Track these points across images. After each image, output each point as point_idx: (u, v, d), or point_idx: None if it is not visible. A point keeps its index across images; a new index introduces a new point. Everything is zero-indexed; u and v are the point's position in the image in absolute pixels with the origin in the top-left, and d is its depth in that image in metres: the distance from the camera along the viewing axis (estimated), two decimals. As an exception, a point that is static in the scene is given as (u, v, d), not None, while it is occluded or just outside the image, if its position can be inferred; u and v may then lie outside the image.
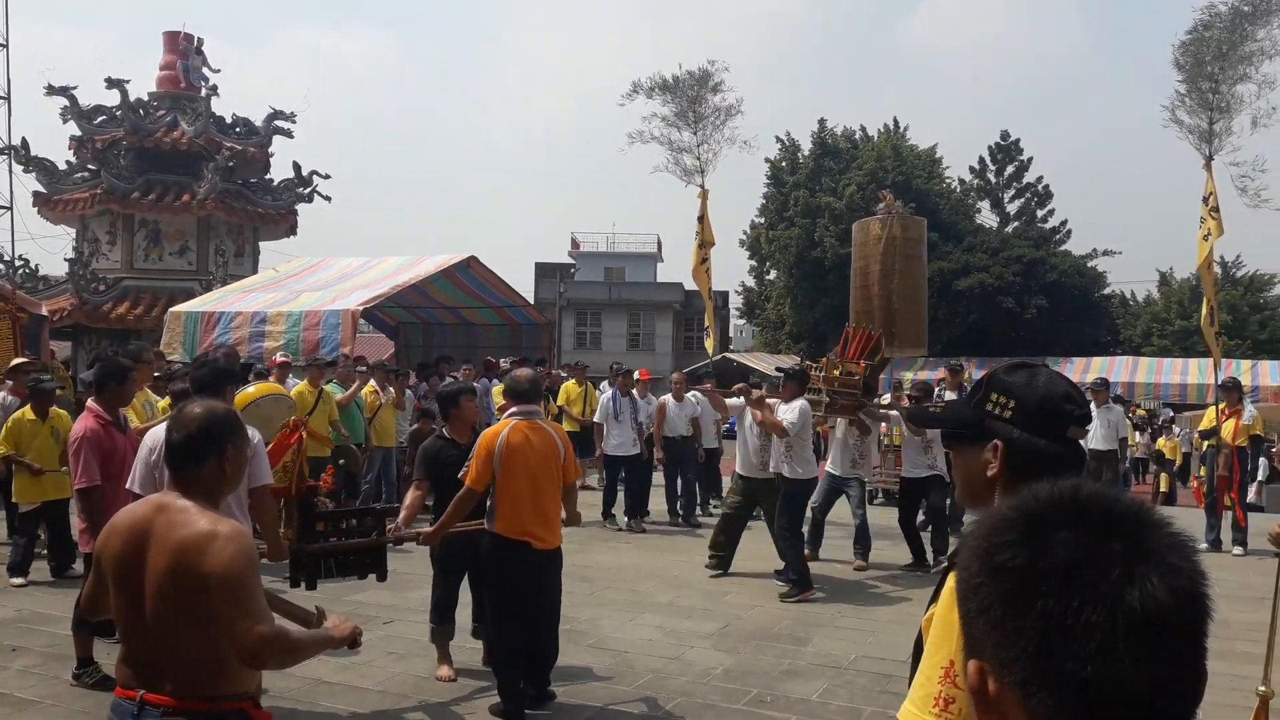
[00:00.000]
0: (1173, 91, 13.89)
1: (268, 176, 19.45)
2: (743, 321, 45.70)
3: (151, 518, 2.50)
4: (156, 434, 4.22)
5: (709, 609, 7.38)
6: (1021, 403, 1.80)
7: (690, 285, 40.91)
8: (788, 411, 7.86)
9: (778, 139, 37.18)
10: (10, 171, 16.90)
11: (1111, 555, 0.85)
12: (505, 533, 5.03)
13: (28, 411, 7.88)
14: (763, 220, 37.43)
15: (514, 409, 5.30)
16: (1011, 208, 37.62)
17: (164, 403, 7.24)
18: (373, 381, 11.41)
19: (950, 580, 1.71)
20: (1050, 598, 0.84)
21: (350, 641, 2.83)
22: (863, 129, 37.44)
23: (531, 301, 19.33)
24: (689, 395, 11.27)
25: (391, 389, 11.40)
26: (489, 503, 5.14)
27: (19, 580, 7.78)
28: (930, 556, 8.92)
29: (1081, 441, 1.85)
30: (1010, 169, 37.67)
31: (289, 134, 19.22)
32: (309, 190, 18.95)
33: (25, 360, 9.52)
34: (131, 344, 7.07)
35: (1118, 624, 0.81)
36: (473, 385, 6.38)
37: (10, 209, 15.94)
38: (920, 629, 1.80)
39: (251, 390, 6.04)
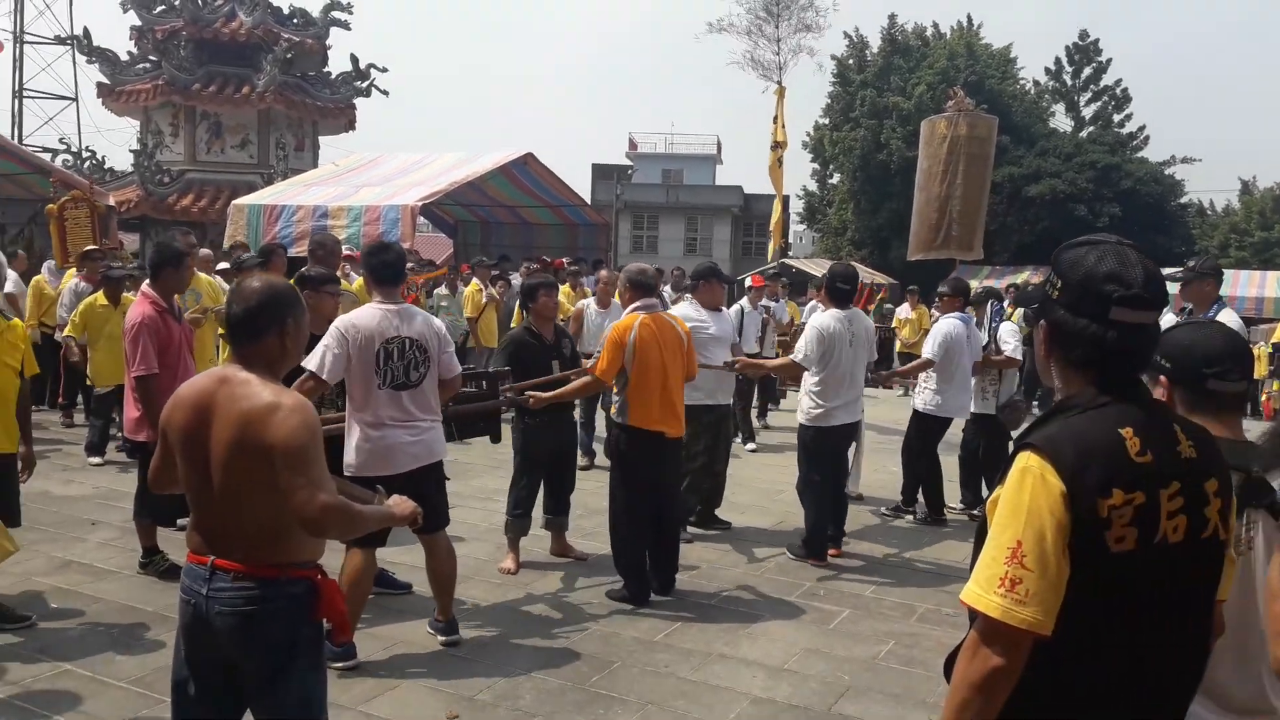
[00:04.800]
0: None
1: (325, 70, 19.30)
2: (803, 227, 44.91)
3: (215, 390, 2.52)
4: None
5: (765, 507, 7.42)
6: (1066, 282, 1.74)
7: (750, 188, 40.25)
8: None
9: (845, 35, 35.90)
10: (74, 62, 17.01)
11: None
12: (640, 424, 5.16)
13: (100, 297, 8.05)
14: (827, 121, 36.41)
15: (638, 302, 5.31)
16: (1087, 111, 36.12)
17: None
18: (476, 280, 11.45)
19: (1017, 461, 1.66)
20: None
21: (410, 520, 2.86)
22: (935, 26, 35.99)
23: (588, 203, 19.15)
24: (617, 305, 8.52)
25: (493, 289, 11.40)
26: (617, 396, 5.24)
27: (96, 460, 8.10)
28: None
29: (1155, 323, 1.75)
30: (1088, 70, 36.05)
31: (346, 26, 18.97)
32: (367, 84, 18.78)
33: (95, 248, 9.71)
34: (169, 232, 6.88)
35: None
36: (551, 279, 6.33)
37: (76, 99, 16.07)
38: (984, 511, 1.76)
39: None
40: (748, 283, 10.57)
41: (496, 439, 5.58)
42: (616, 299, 10.42)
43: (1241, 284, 25.93)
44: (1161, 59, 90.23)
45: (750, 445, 9.75)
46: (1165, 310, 2.27)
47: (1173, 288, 6.45)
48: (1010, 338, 7.50)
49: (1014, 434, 7.28)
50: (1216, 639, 1.81)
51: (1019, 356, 7.51)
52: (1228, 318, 5.53)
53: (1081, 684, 1.64)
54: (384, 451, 4.28)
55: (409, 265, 10.75)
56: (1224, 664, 1.83)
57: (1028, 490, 1.62)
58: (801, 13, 16.17)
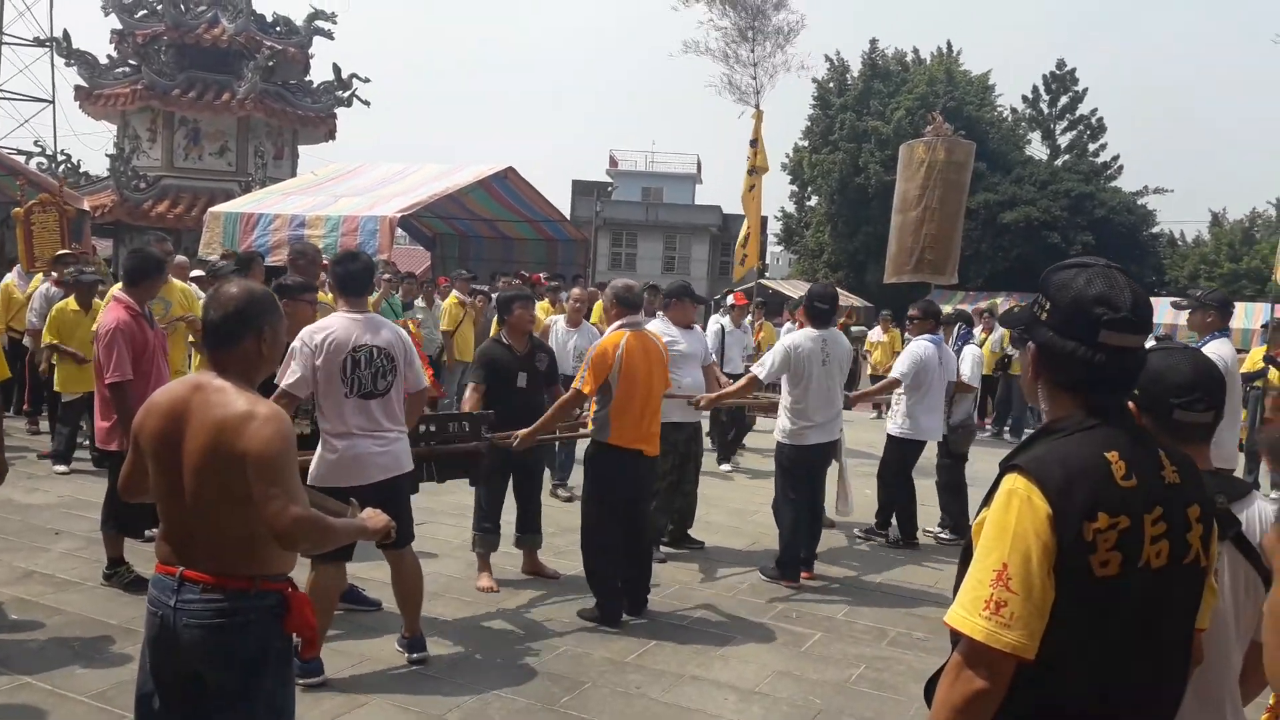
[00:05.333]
0: None
1: (307, 78, 19.24)
2: (780, 248, 45.16)
3: (189, 397, 2.49)
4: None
5: (738, 528, 7.41)
6: (1055, 304, 1.74)
7: (729, 208, 40.37)
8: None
9: (827, 58, 36.33)
10: (52, 64, 16.90)
11: None
12: (620, 443, 5.14)
13: (71, 302, 7.94)
14: (806, 144, 36.70)
15: (623, 320, 5.29)
16: (1063, 140, 36.68)
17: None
18: (455, 293, 11.40)
19: (1004, 483, 1.66)
20: None
21: (384, 534, 2.84)
22: (915, 51, 36.52)
23: (568, 219, 19.15)
24: (588, 325, 8.45)
25: (471, 302, 11.35)
26: (599, 412, 5.21)
27: (62, 468, 7.96)
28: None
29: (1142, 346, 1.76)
30: (1064, 99, 36.67)
31: (329, 35, 18.95)
32: (348, 94, 18.73)
33: (68, 252, 9.59)
34: (145, 238, 6.73)
35: None
36: (527, 292, 6.32)
37: (52, 102, 15.91)
38: (969, 533, 1.75)
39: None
40: (729, 301, 10.38)
41: (474, 481, 5.50)
42: (593, 320, 9.72)
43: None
44: (1136, 90, 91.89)
45: (725, 465, 9.70)
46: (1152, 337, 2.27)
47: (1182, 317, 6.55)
48: (968, 363, 7.60)
49: (962, 454, 7.42)
50: (1195, 667, 1.81)
51: (975, 384, 7.60)
52: (1217, 348, 5.49)
53: (1063, 708, 1.64)
54: (351, 462, 4.24)
55: (385, 277, 10.71)
56: (1194, 694, 1.83)
57: (1014, 512, 1.62)
58: (776, 35, 16.25)
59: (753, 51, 16.21)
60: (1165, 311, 26.22)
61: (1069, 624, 1.59)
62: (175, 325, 7.03)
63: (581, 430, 5.88)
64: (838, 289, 8.23)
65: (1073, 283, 1.73)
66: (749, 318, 11.32)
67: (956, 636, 1.65)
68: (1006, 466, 1.70)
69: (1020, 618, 1.57)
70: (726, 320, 9.90)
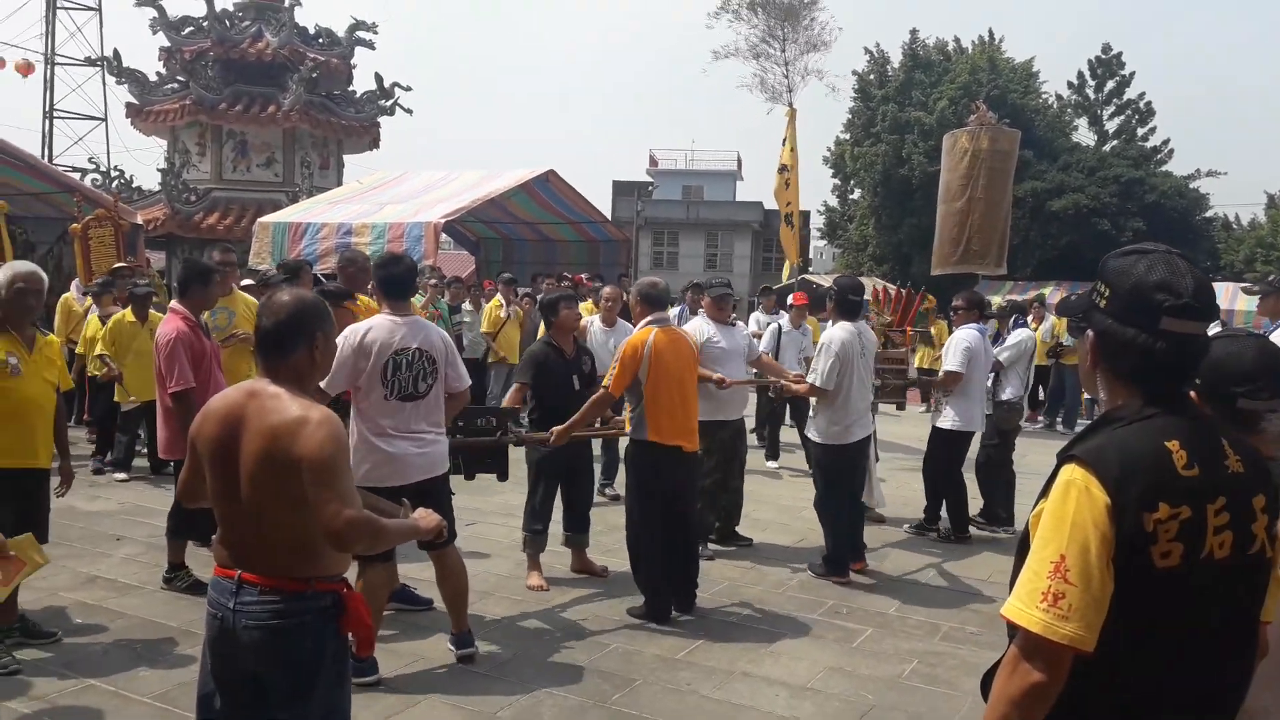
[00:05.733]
0: None
1: (350, 88, 19.50)
2: (824, 243, 44.82)
3: (244, 403, 2.55)
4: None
5: (786, 524, 7.38)
6: (1115, 291, 1.71)
7: (770, 204, 40.21)
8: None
9: (866, 50, 35.93)
10: (104, 83, 17.28)
11: None
12: (660, 439, 5.16)
13: (127, 314, 8.14)
14: (848, 136, 36.37)
15: (650, 317, 5.32)
16: (1111, 125, 35.89)
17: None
18: (499, 296, 11.51)
19: (1061, 474, 1.64)
20: None
21: (435, 534, 2.87)
22: (956, 40, 35.98)
23: (609, 220, 19.19)
24: (624, 324, 8.07)
25: (516, 305, 11.45)
26: (634, 411, 5.24)
27: (122, 475, 8.17)
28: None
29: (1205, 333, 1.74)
30: (1111, 84, 35.85)
31: (370, 45, 19.18)
32: (391, 102, 18.94)
33: (123, 265, 9.84)
34: (208, 249, 6.78)
35: None
36: (571, 293, 6.37)
37: (105, 120, 16.29)
38: (1027, 525, 1.74)
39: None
40: (789, 300, 10.19)
41: (503, 477, 5.51)
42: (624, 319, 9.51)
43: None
44: (1185, 72, 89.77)
45: (772, 463, 9.65)
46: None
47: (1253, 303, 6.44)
48: (1010, 345, 7.72)
49: (1010, 431, 7.42)
50: (1260, 660, 1.78)
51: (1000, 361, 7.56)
52: None
53: (1122, 701, 1.62)
54: (390, 462, 4.30)
55: (431, 282, 10.81)
56: (1265, 688, 1.80)
57: (1072, 503, 1.60)
58: (806, 32, 15.97)
59: (784, 51, 15.92)
60: (1221, 296, 25.69)
61: (1129, 616, 1.57)
62: (236, 340, 7.13)
63: (614, 429, 5.91)
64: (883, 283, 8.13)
65: (1133, 269, 1.70)
66: (763, 314, 11.30)
67: (1014, 629, 1.63)
68: (1064, 457, 1.67)
69: (1078, 609, 1.55)
70: (784, 320, 9.76)
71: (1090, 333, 1.75)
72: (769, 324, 10.16)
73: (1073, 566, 1.56)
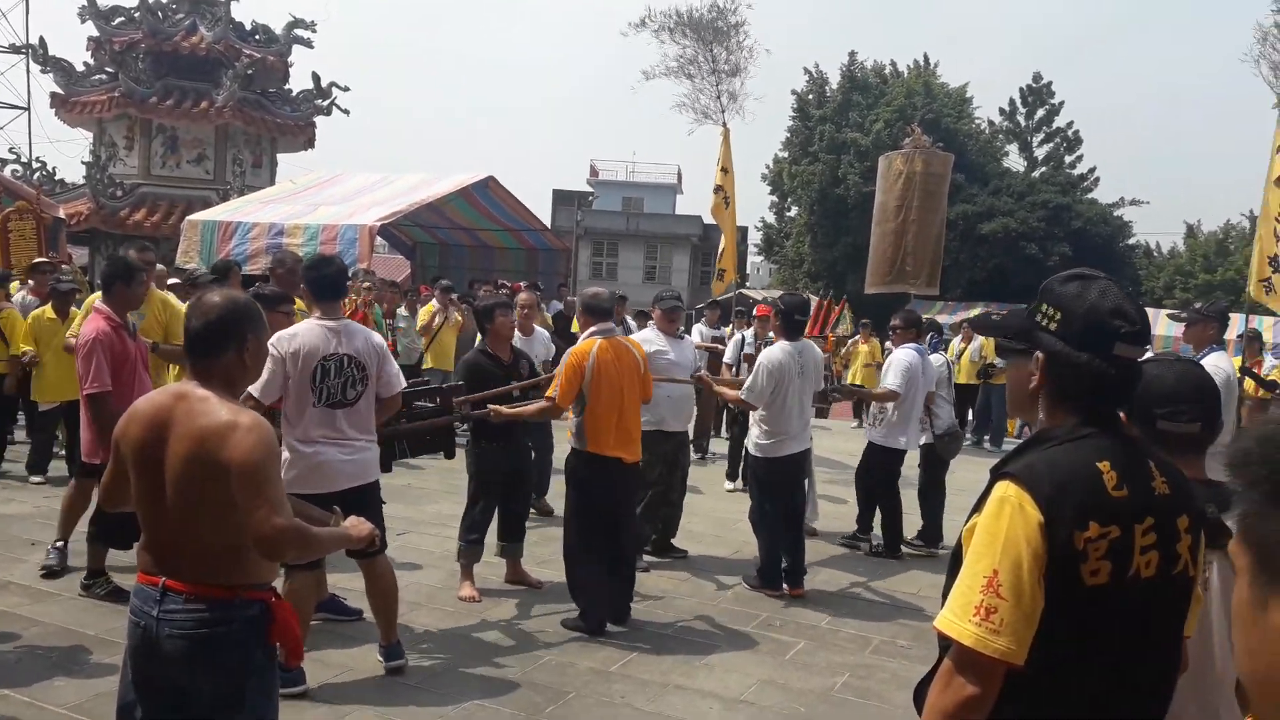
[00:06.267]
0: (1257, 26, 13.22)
1: (286, 87, 19.19)
2: (760, 259, 45.31)
3: (172, 406, 2.47)
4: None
5: (721, 536, 7.41)
6: (1067, 315, 1.74)
7: (710, 219, 40.54)
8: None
9: (805, 70, 36.51)
10: (28, 71, 16.76)
11: None
12: (598, 450, 5.14)
13: (48, 310, 7.87)
14: (786, 154, 36.87)
15: (594, 327, 5.29)
16: (1040, 152, 36.98)
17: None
18: (434, 302, 11.35)
19: (995, 490, 1.67)
20: None
21: (366, 542, 2.82)
22: (893, 64, 36.72)
23: (549, 228, 19.15)
24: (541, 332, 8.02)
25: (455, 311, 11.29)
26: (575, 421, 5.21)
27: (38, 478, 7.87)
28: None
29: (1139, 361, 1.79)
30: (1041, 112, 36.96)
31: (309, 44, 18.91)
32: (328, 102, 18.68)
33: (45, 260, 9.50)
34: (125, 246, 6.49)
35: None
36: (507, 300, 6.31)
37: (28, 109, 15.79)
38: (959, 539, 1.76)
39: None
40: (754, 313, 10.01)
41: (450, 454, 5.53)
42: (538, 326, 8.92)
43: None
44: (1112, 103, 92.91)
45: (729, 485, 9.24)
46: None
47: (1177, 328, 6.49)
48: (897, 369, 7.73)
49: (947, 461, 7.46)
50: (1182, 674, 1.83)
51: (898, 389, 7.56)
52: (1216, 360, 5.50)
53: (1052, 715, 1.65)
54: (316, 469, 4.21)
55: (366, 285, 10.65)
56: (1189, 700, 1.85)
57: (1005, 519, 1.63)
58: (732, 56, 16.03)
59: (714, 72, 15.93)
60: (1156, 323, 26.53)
61: (1058, 632, 1.60)
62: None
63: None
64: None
65: (1085, 294, 1.73)
66: (730, 327, 11.30)
67: (946, 642, 1.66)
68: (999, 474, 1.70)
69: (1010, 624, 1.58)
70: (749, 333, 9.71)
71: (1039, 355, 1.77)
72: (712, 337, 10.22)
73: (1005, 582, 1.59)
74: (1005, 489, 1.66)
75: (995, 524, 1.64)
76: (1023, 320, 1.83)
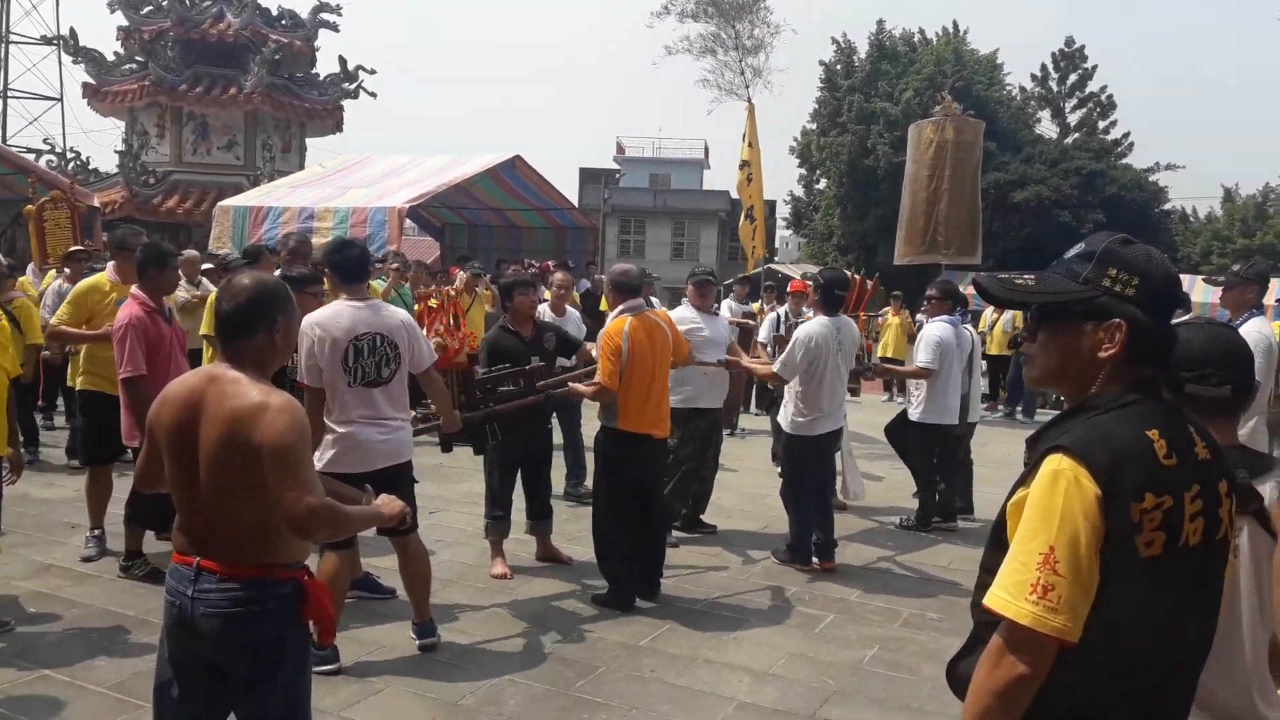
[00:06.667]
0: None
1: (313, 71, 19.27)
2: (789, 232, 45.02)
3: (203, 388, 2.51)
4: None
5: (750, 512, 7.42)
6: (1146, 281, 1.68)
7: (737, 194, 40.33)
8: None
9: (833, 40, 36.06)
10: (59, 62, 16.97)
11: None
12: (629, 428, 5.16)
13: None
14: (814, 126, 36.52)
15: (623, 305, 5.30)
16: (1073, 118, 36.38)
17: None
18: (459, 282, 11.39)
19: (1048, 464, 1.62)
20: None
21: (398, 520, 2.85)
22: (921, 32, 36.21)
23: (576, 207, 19.12)
24: (573, 312, 8.04)
25: (482, 288, 11.32)
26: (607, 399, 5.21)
27: (76, 462, 8.02)
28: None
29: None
30: (1073, 77, 36.34)
31: (335, 27, 18.96)
32: (355, 85, 18.75)
33: (80, 248, 9.64)
34: (119, 230, 6.44)
35: None
36: (528, 279, 6.33)
37: (60, 100, 15.98)
38: (1003, 512, 1.72)
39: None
40: (789, 288, 10.12)
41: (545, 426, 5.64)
42: (570, 307, 8.83)
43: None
44: (1146, 66, 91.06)
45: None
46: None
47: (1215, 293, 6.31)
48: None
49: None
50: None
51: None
52: (1258, 325, 5.35)
53: (1102, 689, 1.63)
54: (354, 449, 4.26)
55: (394, 266, 10.71)
56: (1209, 667, 1.84)
57: (1060, 494, 1.58)
58: (755, 30, 15.82)
59: (738, 48, 15.73)
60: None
61: (1111, 605, 1.58)
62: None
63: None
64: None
65: (1153, 260, 1.71)
66: (759, 303, 11.26)
67: (988, 618, 1.62)
68: (1051, 446, 1.65)
69: (1067, 601, 1.55)
70: (784, 309, 9.68)
71: (1120, 322, 1.68)
72: (743, 312, 10.18)
73: (1062, 558, 1.55)
74: (1059, 462, 1.61)
75: (1050, 499, 1.59)
76: (1082, 285, 1.72)
